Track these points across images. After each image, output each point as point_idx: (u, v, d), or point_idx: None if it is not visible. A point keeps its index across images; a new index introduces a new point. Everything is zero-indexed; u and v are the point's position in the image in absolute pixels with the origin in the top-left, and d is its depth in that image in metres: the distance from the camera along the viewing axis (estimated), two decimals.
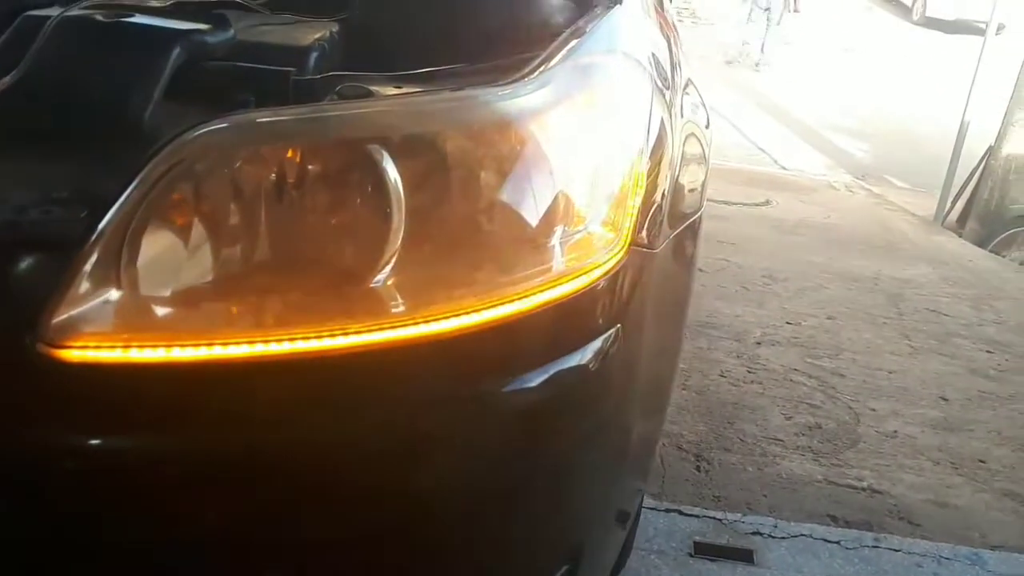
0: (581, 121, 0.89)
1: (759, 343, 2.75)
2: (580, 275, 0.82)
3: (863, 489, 1.94)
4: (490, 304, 0.77)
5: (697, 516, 1.75)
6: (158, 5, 0.95)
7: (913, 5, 12.63)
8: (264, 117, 0.74)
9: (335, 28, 1.04)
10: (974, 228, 4.88)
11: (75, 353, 0.64)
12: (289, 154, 0.74)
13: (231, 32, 0.90)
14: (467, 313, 0.76)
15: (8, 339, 0.63)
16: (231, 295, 0.72)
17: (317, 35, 1.00)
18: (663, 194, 0.99)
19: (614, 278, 0.85)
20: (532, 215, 0.81)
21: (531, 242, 0.81)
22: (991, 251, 4.52)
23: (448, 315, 0.75)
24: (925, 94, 8.64)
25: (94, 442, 0.65)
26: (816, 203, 5.04)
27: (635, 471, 1.07)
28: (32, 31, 0.81)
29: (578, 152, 0.87)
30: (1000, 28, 5.56)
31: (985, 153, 5.00)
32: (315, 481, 0.71)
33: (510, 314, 0.78)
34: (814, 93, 8.50)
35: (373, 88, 0.87)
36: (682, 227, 1.07)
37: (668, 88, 1.13)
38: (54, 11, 0.85)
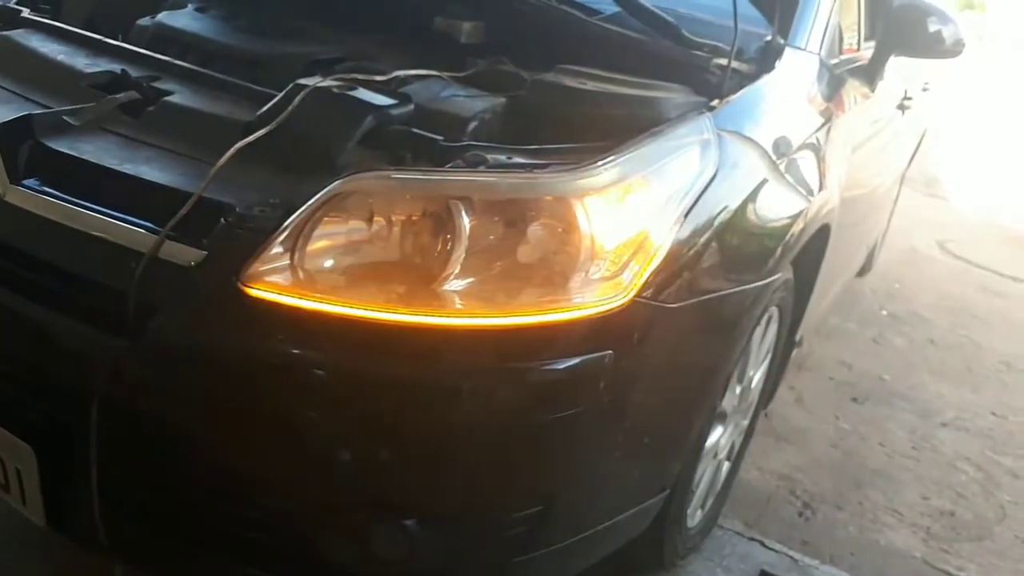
0: (622, 201, 1.24)
1: (944, 425, 2.73)
2: (581, 309, 1.18)
3: None
4: (515, 314, 1.16)
5: (776, 551, 1.94)
6: (381, 79, 1.44)
7: None
8: (394, 174, 1.20)
9: (501, 103, 1.46)
10: None
11: (257, 292, 1.14)
12: (404, 197, 1.19)
13: (411, 107, 1.36)
14: (497, 316, 1.16)
15: (224, 275, 1.14)
16: (357, 277, 1.18)
17: (481, 108, 1.43)
18: (691, 263, 1.30)
19: (614, 316, 1.19)
20: (563, 263, 1.19)
21: (559, 279, 1.18)
22: None
23: (485, 315, 1.16)
24: None
25: (258, 346, 1.14)
26: None
27: (627, 467, 1.37)
28: (295, 94, 1.33)
29: (614, 223, 1.22)
30: None
31: None
32: (398, 404, 1.14)
33: (532, 323, 1.17)
34: None
35: (489, 157, 1.28)
36: (714, 295, 1.36)
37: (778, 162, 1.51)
38: (314, 80, 1.37)
